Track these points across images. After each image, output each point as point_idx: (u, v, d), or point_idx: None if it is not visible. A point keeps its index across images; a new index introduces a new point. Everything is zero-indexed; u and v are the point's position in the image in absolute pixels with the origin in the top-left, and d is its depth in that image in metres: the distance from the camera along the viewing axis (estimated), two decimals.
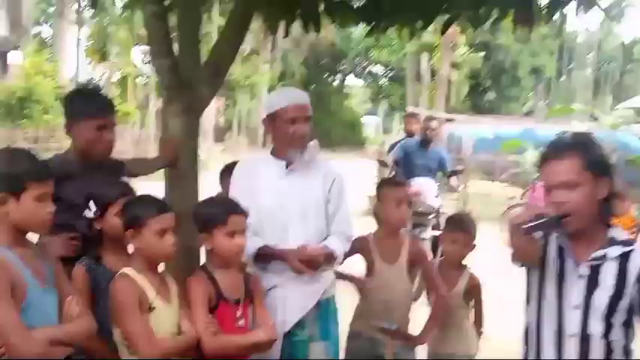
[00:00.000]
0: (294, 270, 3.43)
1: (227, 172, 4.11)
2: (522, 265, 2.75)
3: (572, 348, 2.59)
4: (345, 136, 49.24)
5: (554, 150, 2.59)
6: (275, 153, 3.69)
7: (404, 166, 8.87)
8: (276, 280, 3.51)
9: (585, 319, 2.57)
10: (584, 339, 2.57)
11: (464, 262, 4.20)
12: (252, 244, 3.44)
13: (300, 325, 3.56)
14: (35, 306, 2.56)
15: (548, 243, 2.69)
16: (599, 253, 2.58)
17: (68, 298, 2.70)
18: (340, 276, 4.27)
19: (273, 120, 3.63)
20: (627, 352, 2.63)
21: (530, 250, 2.61)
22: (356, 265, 4.15)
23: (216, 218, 3.10)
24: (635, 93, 33.02)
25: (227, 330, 3.13)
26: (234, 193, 3.58)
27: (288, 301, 3.52)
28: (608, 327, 2.56)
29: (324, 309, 3.67)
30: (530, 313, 2.74)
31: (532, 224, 2.49)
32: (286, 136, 3.58)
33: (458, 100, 33.12)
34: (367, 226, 4.24)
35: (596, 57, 54.53)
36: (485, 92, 41.65)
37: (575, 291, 2.59)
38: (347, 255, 4.22)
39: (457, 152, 21.30)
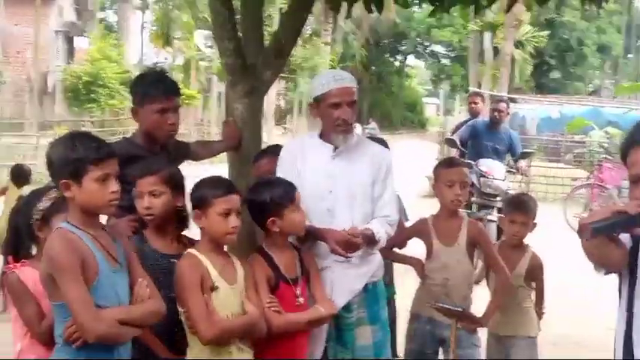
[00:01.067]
0: (333, 251, 3.42)
1: (262, 155, 4.09)
2: (607, 273, 2.40)
3: None
4: (406, 117, 49.02)
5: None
6: (322, 136, 3.66)
7: (471, 147, 8.76)
8: (323, 262, 3.51)
9: None
10: None
11: (525, 242, 4.16)
12: None
13: (347, 308, 3.55)
14: (106, 286, 2.63)
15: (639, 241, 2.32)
16: None
17: (139, 279, 2.77)
18: (399, 258, 4.30)
19: (318, 104, 3.59)
20: None
21: (607, 255, 2.27)
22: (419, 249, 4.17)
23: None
24: None
25: (288, 309, 3.21)
26: (281, 174, 3.59)
27: (336, 283, 3.50)
28: None
29: (372, 292, 3.65)
30: (619, 321, 2.36)
31: (600, 224, 2.19)
32: (331, 121, 3.54)
33: (521, 80, 32.56)
34: (427, 208, 4.24)
35: None
36: (550, 71, 40.79)
37: None
38: (407, 238, 4.26)
39: (521, 132, 20.99)
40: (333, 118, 3.53)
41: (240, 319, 3.01)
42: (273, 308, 3.15)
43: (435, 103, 58.36)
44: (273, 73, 4.37)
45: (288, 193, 3.27)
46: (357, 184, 3.58)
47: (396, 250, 4.22)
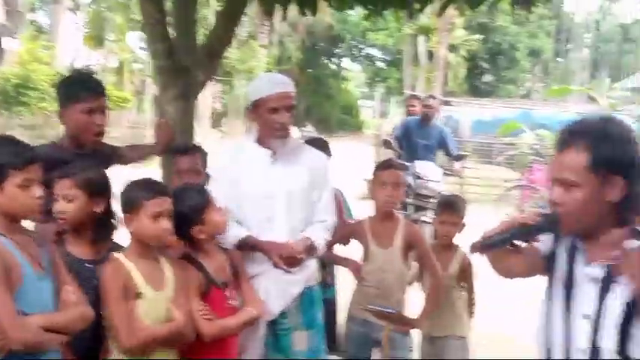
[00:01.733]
0: (276, 266, 3.42)
1: (182, 153, 4.02)
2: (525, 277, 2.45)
3: None
4: (343, 119, 49.19)
5: (562, 138, 2.21)
6: (259, 141, 3.62)
7: (405, 146, 8.88)
8: (258, 268, 3.48)
9: (596, 331, 2.17)
10: (595, 353, 2.17)
11: (456, 243, 4.21)
12: (235, 232, 3.42)
13: (283, 313, 3.55)
14: (31, 293, 2.56)
15: (559, 244, 2.33)
16: (617, 252, 2.15)
17: (65, 286, 2.70)
18: (337, 260, 4.31)
19: (256, 108, 3.55)
20: None
21: (507, 267, 2.34)
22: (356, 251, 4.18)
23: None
24: (633, 73, 32.94)
25: (220, 312, 3.16)
26: (217, 180, 3.55)
27: (271, 290, 3.49)
28: (624, 340, 2.13)
29: (308, 298, 3.64)
30: (540, 317, 2.37)
31: (491, 240, 2.25)
32: (269, 126, 3.51)
33: (455, 83, 33.03)
34: (364, 210, 4.26)
35: (593, 37, 54.44)
36: (483, 74, 41.51)
37: (586, 298, 2.20)
38: (342, 240, 4.27)
39: (455, 135, 21.30)
40: (272, 123, 3.49)
41: (164, 326, 2.92)
42: (204, 316, 3.08)
43: (370, 105, 58.74)
44: (206, 75, 4.34)
45: (202, 196, 3.20)
46: (296, 189, 3.55)
47: (334, 251, 4.23)
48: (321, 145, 4.46)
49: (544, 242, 2.33)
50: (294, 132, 23.80)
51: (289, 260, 3.39)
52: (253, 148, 3.61)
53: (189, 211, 3.16)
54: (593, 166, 2.10)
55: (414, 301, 4.14)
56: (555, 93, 30.08)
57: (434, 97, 9.77)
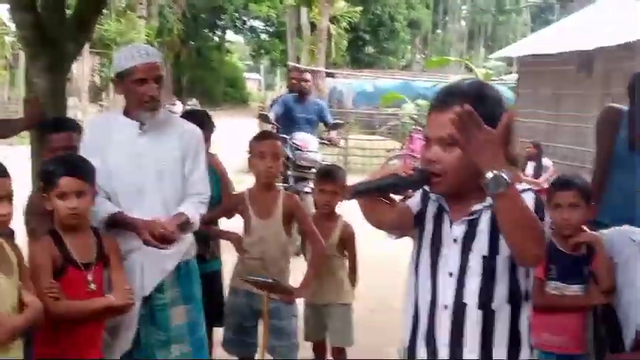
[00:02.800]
0: (146, 243, 3.31)
1: (55, 129, 3.84)
2: (398, 237, 2.45)
3: (446, 319, 2.26)
4: (228, 92, 48.82)
5: (440, 99, 2.24)
6: (127, 113, 3.51)
7: (284, 122, 8.90)
8: (132, 243, 3.38)
9: (460, 288, 2.24)
10: (459, 309, 2.24)
11: (338, 212, 4.27)
12: (104, 209, 3.32)
13: (159, 288, 3.49)
14: None
15: (428, 204, 2.35)
16: (475, 207, 2.22)
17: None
18: (217, 233, 4.28)
19: (122, 80, 3.44)
20: (515, 325, 2.25)
21: (378, 217, 2.31)
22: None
23: (50, 179, 2.94)
24: (507, 44, 34.18)
25: (77, 295, 3.00)
26: (85, 154, 3.37)
27: (146, 264, 3.42)
28: (487, 295, 2.21)
29: (185, 271, 3.60)
30: (409, 280, 2.40)
31: (364, 186, 2.23)
32: (137, 98, 3.41)
33: (337, 55, 33.30)
34: (248, 183, 4.24)
35: (470, 9, 56.08)
36: (365, 46, 42.04)
37: (451, 256, 2.26)
38: (224, 213, 4.25)
39: (338, 106, 21.56)
40: (139, 95, 3.40)
41: (20, 316, 2.66)
42: (51, 294, 2.89)
43: (256, 78, 58.58)
44: (77, 46, 4.19)
45: (52, 176, 3.00)
46: (166, 161, 3.47)
47: (213, 226, 4.21)
48: (203, 118, 4.39)
49: (415, 201, 2.37)
50: (179, 106, 23.43)
51: (161, 238, 3.30)
52: (121, 121, 3.51)
53: (41, 175, 3.05)
54: None
55: (299, 271, 4.17)
56: (434, 64, 30.91)
57: (306, 71, 9.82)
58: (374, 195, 2.26)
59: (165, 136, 3.50)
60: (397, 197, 2.34)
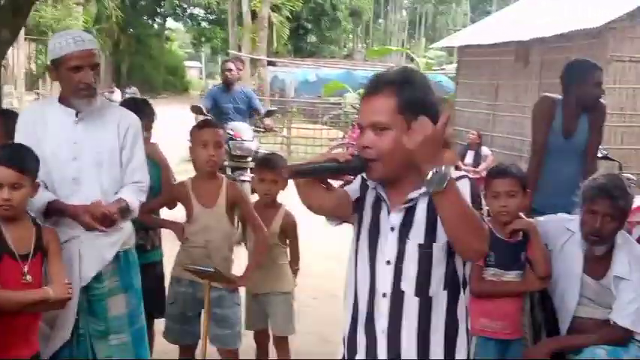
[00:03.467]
0: (86, 227, 3.29)
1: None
2: (338, 224, 2.45)
3: (384, 307, 2.28)
4: (168, 80, 48.27)
5: (370, 86, 2.28)
6: (63, 100, 3.46)
7: (214, 113, 8.82)
8: (70, 232, 3.34)
9: (398, 276, 2.26)
10: (397, 297, 2.26)
11: (279, 201, 4.27)
12: (41, 197, 3.25)
13: (98, 278, 3.45)
14: None
15: (367, 193, 2.38)
16: (412, 195, 2.25)
17: None
18: (158, 223, 4.25)
19: (57, 67, 3.38)
20: (453, 311, 2.29)
21: (315, 201, 2.31)
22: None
23: None
24: (448, 34, 34.58)
25: (11, 286, 2.93)
26: (20, 142, 3.32)
27: (84, 254, 3.38)
28: (424, 283, 2.24)
29: (124, 260, 3.57)
30: (349, 268, 2.43)
31: (302, 167, 2.25)
32: (72, 85, 3.36)
33: (279, 44, 33.23)
34: (190, 172, 4.21)
35: None
36: (307, 35, 42.04)
37: (388, 244, 2.28)
38: (165, 203, 4.22)
39: (280, 95, 21.54)
40: (75, 82, 3.34)
41: None
42: None
43: (197, 66, 58.01)
44: (12, 33, 4.08)
45: None
46: (104, 149, 3.43)
47: (153, 215, 4.17)
48: (143, 106, 4.35)
49: (353, 188, 2.39)
50: (117, 94, 23.07)
51: (102, 220, 3.27)
52: (57, 108, 3.45)
53: None
54: (400, 108, 2.19)
55: (241, 260, 4.17)
56: (376, 53, 31.16)
57: (230, 60, 9.72)
58: (311, 177, 2.26)
59: (102, 124, 3.46)
60: (336, 183, 2.37)
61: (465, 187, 2.20)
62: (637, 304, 3.42)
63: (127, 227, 3.57)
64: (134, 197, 3.47)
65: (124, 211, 3.40)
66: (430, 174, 2.04)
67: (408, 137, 2.07)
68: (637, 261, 3.48)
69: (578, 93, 4.89)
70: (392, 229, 2.28)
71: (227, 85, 8.97)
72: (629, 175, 8.04)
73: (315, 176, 2.26)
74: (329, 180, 2.31)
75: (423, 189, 2.18)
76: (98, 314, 3.49)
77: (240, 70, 9.71)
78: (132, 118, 3.59)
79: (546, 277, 3.52)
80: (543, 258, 3.49)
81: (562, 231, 3.62)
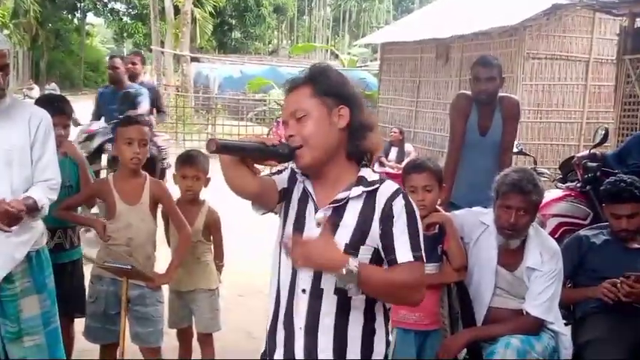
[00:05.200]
0: None
1: None
2: (263, 214, 2.47)
3: (304, 304, 2.30)
4: (89, 76, 47.31)
5: (289, 84, 2.38)
6: None
7: (107, 115, 7.97)
8: None
9: (318, 273, 2.26)
10: (316, 294, 2.29)
11: (202, 198, 4.27)
12: None
13: (8, 279, 3.40)
14: None
15: (295, 186, 2.41)
16: (341, 195, 2.28)
17: None
18: (78, 220, 4.19)
19: None
20: (371, 309, 2.32)
21: (239, 183, 2.30)
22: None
23: None
24: (371, 31, 34.92)
25: None
26: None
27: None
28: None
29: (37, 260, 3.52)
30: (273, 264, 2.44)
31: (228, 142, 2.23)
32: None
33: (203, 39, 32.95)
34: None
35: None
36: (231, 31, 41.82)
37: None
38: (84, 199, 4.17)
39: (205, 92, 21.36)
40: None
41: None
42: None
43: None
44: None
45: None
46: (13, 148, 3.36)
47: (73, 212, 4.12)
48: (61, 103, 4.26)
49: (282, 178, 2.42)
50: (36, 90, 22.48)
51: (6, 218, 3.17)
52: None
53: None
54: (316, 93, 2.29)
55: (163, 258, 4.15)
56: (300, 50, 31.27)
57: (116, 56, 8.65)
58: (237, 154, 2.26)
59: (11, 122, 3.38)
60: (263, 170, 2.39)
61: (402, 214, 2.26)
62: (548, 294, 3.56)
63: (38, 226, 3.50)
64: (43, 195, 3.39)
65: (32, 209, 3.32)
66: (336, 279, 2.17)
67: None
68: (548, 252, 3.62)
69: (472, 89, 5.07)
70: (318, 224, 2.29)
71: (115, 84, 7.96)
72: (543, 169, 8.30)
73: (241, 154, 2.26)
74: (255, 165, 2.32)
75: (354, 192, 2.27)
76: (10, 315, 3.43)
77: (136, 64, 8.58)
78: (43, 115, 3.52)
79: (462, 268, 3.62)
80: (459, 250, 3.59)
81: (477, 224, 3.73)
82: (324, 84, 2.30)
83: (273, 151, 2.26)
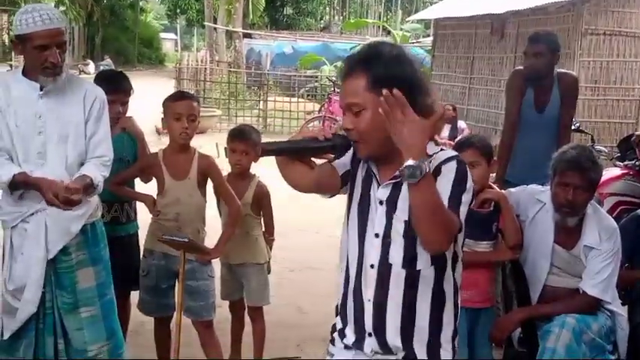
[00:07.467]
0: (49, 203, 3.26)
1: None
2: (331, 196, 2.49)
3: (372, 278, 2.32)
4: (143, 53, 47.79)
5: (345, 67, 2.31)
6: (27, 74, 3.40)
7: None
8: (36, 205, 3.34)
9: (386, 248, 2.29)
10: (384, 269, 2.30)
11: (252, 172, 4.26)
12: (7, 170, 3.26)
13: (65, 251, 3.44)
14: None
15: (359, 167, 2.40)
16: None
17: None
18: (130, 195, 4.22)
19: (22, 43, 3.31)
20: (440, 286, 2.32)
21: (294, 177, 2.33)
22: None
23: None
24: (425, 6, 34.48)
25: None
26: None
27: (51, 227, 3.37)
28: (411, 255, 2.26)
29: (92, 233, 3.56)
30: (342, 240, 2.47)
31: (274, 146, 2.27)
32: (38, 63, 3.30)
33: (255, 16, 32.91)
34: (166, 144, 4.17)
35: None
36: (283, 7, 41.73)
37: (377, 218, 2.31)
38: (137, 173, 4.19)
39: (257, 68, 21.38)
40: (40, 61, 3.28)
41: None
42: None
43: (172, 38, 57.42)
44: None
45: None
46: (69, 123, 3.39)
47: (126, 187, 4.15)
48: (119, 79, 4.28)
49: (342, 162, 2.41)
50: (91, 66, 22.78)
51: (64, 200, 3.23)
52: (21, 81, 3.40)
53: None
54: (371, 86, 2.19)
55: (214, 232, 4.16)
56: (352, 26, 31.00)
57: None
58: (286, 155, 2.28)
59: (66, 99, 3.41)
60: (319, 160, 2.37)
61: (450, 172, 2.20)
62: (605, 273, 3.49)
63: (93, 200, 3.55)
64: (98, 173, 3.44)
65: (88, 187, 3.37)
66: (405, 164, 2.06)
67: (389, 121, 2.08)
68: (606, 231, 3.54)
69: (524, 65, 4.95)
70: (380, 202, 2.30)
71: None
72: (600, 147, 8.12)
73: (288, 155, 2.28)
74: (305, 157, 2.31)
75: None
76: (66, 287, 3.49)
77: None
78: (98, 92, 3.55)
79: (517, 246, 3.56)
80: (514, 228, 3.53)
81: (533, 202, 3.66)
82: (380, 72, 2.19)
83: (327, 146, 2.27)
